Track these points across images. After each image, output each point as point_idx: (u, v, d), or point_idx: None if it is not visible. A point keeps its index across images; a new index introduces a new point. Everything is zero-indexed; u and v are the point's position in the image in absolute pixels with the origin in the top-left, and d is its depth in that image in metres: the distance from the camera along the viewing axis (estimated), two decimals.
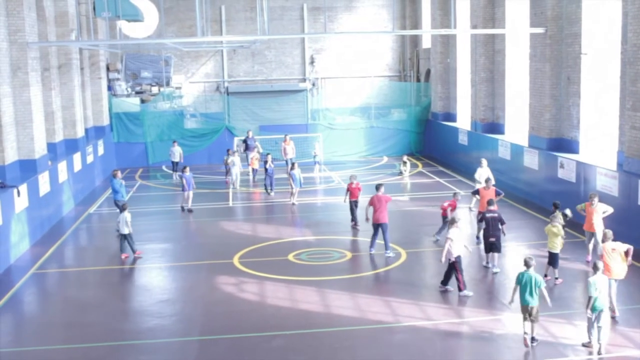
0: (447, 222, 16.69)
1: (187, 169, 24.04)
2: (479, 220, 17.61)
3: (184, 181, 23.54)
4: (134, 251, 18.30)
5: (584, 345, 11.86)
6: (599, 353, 11.56)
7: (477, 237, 18.65)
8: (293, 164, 24.87)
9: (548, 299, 12.20)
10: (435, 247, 18.87)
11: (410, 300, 14.52)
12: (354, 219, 21.06)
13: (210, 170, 32.90)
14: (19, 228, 18.97)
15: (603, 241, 13.55)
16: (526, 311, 11.99)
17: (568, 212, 16.90)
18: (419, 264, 17.52)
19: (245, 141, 31.07)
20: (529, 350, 11.92)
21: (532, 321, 12.01)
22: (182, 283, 16.44)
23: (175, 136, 33.97)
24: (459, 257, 14.64)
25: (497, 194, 18.47)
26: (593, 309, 11.56)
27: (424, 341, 12.53)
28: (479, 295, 14.84)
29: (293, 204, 24.27)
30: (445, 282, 14.99)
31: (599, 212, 16.37)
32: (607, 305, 11.68)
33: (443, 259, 14.79)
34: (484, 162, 23.11)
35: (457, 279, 14.68)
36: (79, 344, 12.90)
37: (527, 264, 12.08)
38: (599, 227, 16.22)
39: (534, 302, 11.91)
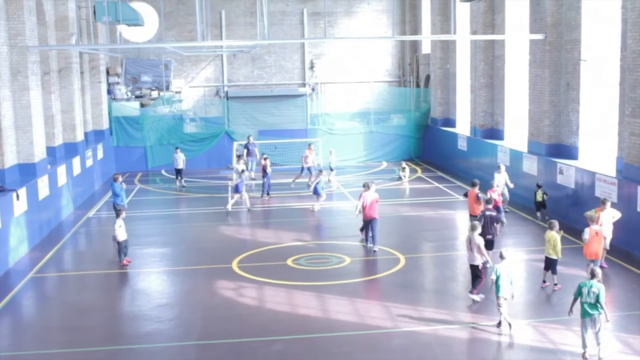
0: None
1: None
2: (478, 220, 17.67)
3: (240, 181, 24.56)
4: (120, 260, 18.10)
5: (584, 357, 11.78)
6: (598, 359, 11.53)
7: None
8: (320, 171, 25.01)
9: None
10: (434, 253, 18.88)
11: (409, 305, 14.52)
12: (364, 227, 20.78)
13: (210, 174, 32.93)
14: (18, 232, 18.96)
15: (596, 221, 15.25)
16: (501, 300, 12.89)
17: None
18: (417, 269, 17.51)
19: (246, 146, 31.07)
20: (528, 354, 11.93)
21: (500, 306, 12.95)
22: (181, 287, 16.43)
23: (174, 140, 33.95)
24: (486, 262, 14.92)
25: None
26: (582, 315, 11.55)
27: (422, 346, 12.52)
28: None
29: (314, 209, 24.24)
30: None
31: (609, 218, 16.33)
32: (602, 314, 11.56)
33: (490, 262, 15.22)
34: (502, 167, 22.96)
35: (474, 281, 14.70)
36: (77, 348, 12.89)
37: (502, 256, 13.07)
38: (608, 232, 16.23)
39: (506, 292, 12.95)
